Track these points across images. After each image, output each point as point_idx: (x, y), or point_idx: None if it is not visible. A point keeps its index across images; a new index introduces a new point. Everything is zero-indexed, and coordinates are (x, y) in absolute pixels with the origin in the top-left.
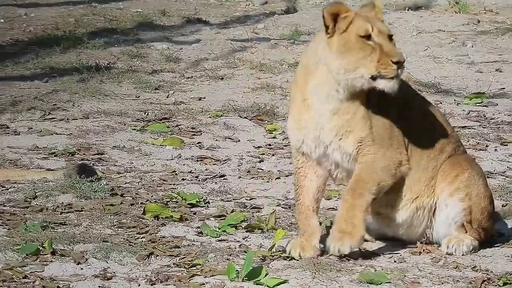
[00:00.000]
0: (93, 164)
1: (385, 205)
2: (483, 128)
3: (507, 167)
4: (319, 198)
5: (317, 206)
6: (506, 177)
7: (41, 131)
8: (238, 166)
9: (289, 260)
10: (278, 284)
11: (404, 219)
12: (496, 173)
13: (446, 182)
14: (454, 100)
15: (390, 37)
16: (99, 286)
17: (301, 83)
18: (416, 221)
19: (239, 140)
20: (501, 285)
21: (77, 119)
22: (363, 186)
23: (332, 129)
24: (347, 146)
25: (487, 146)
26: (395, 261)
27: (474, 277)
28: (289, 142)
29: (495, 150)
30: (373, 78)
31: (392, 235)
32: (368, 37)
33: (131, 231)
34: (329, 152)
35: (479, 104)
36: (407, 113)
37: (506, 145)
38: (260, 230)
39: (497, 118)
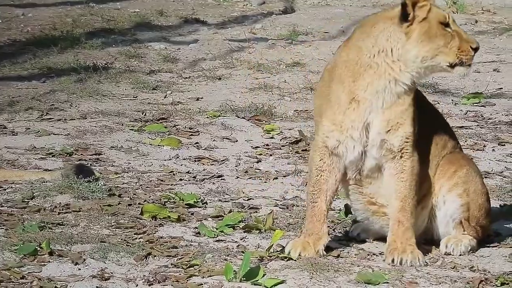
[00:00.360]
0: (90, 164)
1: None
2: (481, 128)
3: (505, 167)
4: (331, 202)
5: (329, 209)
6: (504, 177)
7: (39, 131)
8: (236, 166)
9: (287, 261)
10: (276, 285)
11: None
12: (493, 173)
13: (445, 178)
14: (452, 100)
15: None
16: (96, 287)
17: (350, 82)
18: (419, 221)
19: (237, 140)
20: (499, 285)
21: (74, 119)
22: (410, 202)
23: (383, 121)
24: (395, 140)
25: (484, 146)
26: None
27: (472, 277)
28: (286, 142)
29: (493, 150)
30: (452, 65)
31: None
32: (446, 24)
33: (129, 232)
34: (367, 151)
35: (476, 104)
36: (421, 113)
37: (504, 145)
38: (258, 231)
39: (495, 118)
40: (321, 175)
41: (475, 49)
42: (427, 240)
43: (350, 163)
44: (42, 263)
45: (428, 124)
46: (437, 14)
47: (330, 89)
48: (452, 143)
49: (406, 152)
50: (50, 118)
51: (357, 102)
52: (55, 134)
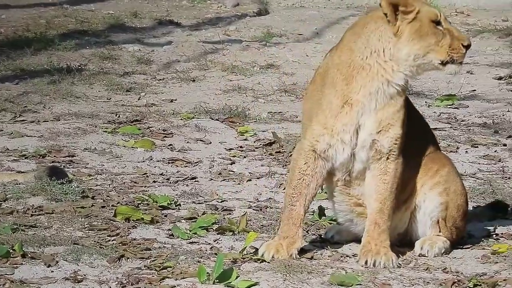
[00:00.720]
0: (63, 166)
1: None
2: (454, 130)
3: (478, 169)
4: (309, 207)
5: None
6: (477, 179)
7: (12, 133)
8: (210, 168)
9: (261, 263)
10: (249, 287)
11: (394, 221)
12: (466, 175)
13: (428, 176)
14: (426, 102)
15: None
16: None
17: (341, 86)
18: (401, 222)
19: (211, 142)
20: (471, 286)
21: (48, 121)
22: (389, 205)
23: (375, 122)
24: (385, 140)
25: (458, 148)
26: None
27: (445, 279)
28: (260, 144)
29: (466, 152)
30: (443, 63)
31: None
32: (438, 22)
33: (102, 234)
34: (355, 153)
35: (450, 106)
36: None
37: (477, 147)
38: (231, 233)
39: (468, 120)
40: (303, 179)
41: (467, 47)
42: (405, 242)
43: (340, 165)
44: (15, 265)
45: (412, 125)
46: (428, 13)
47: (322, 94)
48: (434, 145)
49: (393, 154)
50: (23, 120)
51: (350, 105)
52: (28, 136)
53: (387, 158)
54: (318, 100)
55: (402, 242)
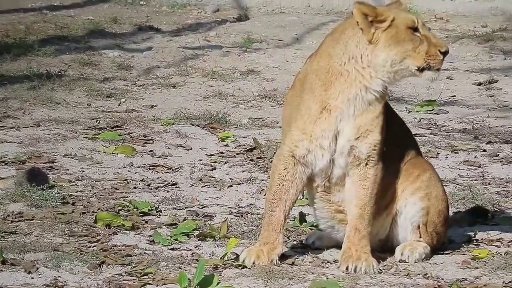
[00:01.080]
0: (44, 171)
1: None
2: (434, 135)
3: (458, 174)
4: (289, 212)
5: (286, 220)
6: (457, 184)
7: None
8: (190, 174)
9: (241, 269)
10: None
11: (376, 227)
12: (447, 181)
13: (409, 181)
14: (406, 108)
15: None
16: None
17: (321, 91)
18: (383, 228)
19: (191, 148)
20: None
21: (27, 127)
22: (369, 210)
23: (354, 128)
24: (363, 146)
25: (438, 153)
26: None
27: (425, 284)
28: (241, 150)
29: (446, 157)
30: (420, 69)
31: None
32: (415, 29)
33: (83, 240)
34: (335, 159)
35: (430, 112)
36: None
37: (457, 152)
38: (212, 239)
39: (448, 125)
40: (283, 185)
41: (444, 53)
42: (387, 247)
43: (320, 171)
44: None
45: (393, 131)
46: (405, 19)
47: (301, 99)
48: (415, 150)
49: (372, 160)
50: (2, 126)
51: (329, 111)
52: (8, 142)
53: (366, 164)
54: (297, 106)
55: (384, 248)
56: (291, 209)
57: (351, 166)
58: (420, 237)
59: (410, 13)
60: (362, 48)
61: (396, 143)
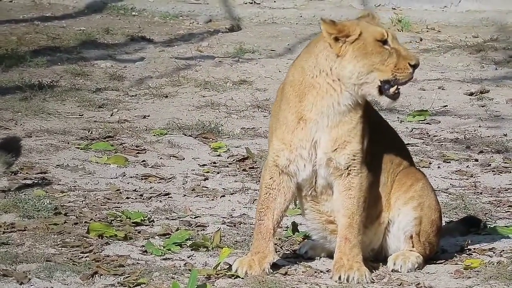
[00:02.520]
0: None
1: None
2: (426, 145)
3: (450, 184)
4: (280, 222)
5: (277, 228)
6: (449, 194)
7: None
8: (183, 184)
9: (234, 279)
10: None
11: (369, 237)
12: (439, 190)
13: (402, 191)
14: (398, 117)
15: None
16: None
17: (296, 102)
18: (375, 237)
19: (184, 158)
20: None
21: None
22: (358, 219)
23: (330, 140)
24: (341, 158)
25: (430, 163)
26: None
27: None
28: (234, 160)
29: (438, 167)
30: (380, 92)
31: None
32: (384, 41)
33: (75, 250)
34: (317, 169)
35: (422, 122)
36: (377, 131)
37: (449, 162)
38: (205, 249)
39: (440, 135)
40: (269, 193)
41: (413, 66)
42: (380, 257)
43: (303, 181)
44: None
45: (384, 141)
46: (374, 32)
47: (279, 109)
48: (407, 160)
49: (354, 169)
50: None
51: (304, 121)
52: None
53: (349, 174)
54: (276, 115)
55: (377, 258)
56: (281, 218)
57: (334, 176)
58: (413, 246)
59: (380, 26)
60: (331, 61)
61: (388, 153)
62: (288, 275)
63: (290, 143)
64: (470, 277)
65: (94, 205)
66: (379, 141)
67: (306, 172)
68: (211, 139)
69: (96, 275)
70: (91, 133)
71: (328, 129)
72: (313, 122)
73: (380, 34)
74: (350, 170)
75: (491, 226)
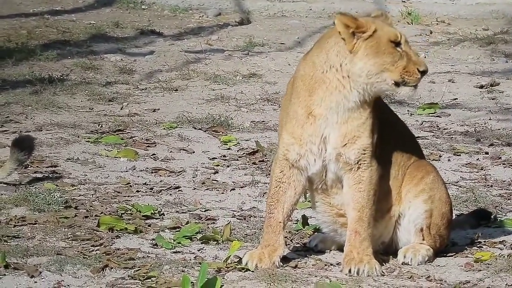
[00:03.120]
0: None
1: None
2: (436, 138)
3: (460, 177)
4: (290, 215)
5: (287, 221)
6: (459, 187)
7: None
8: (193, 177)
9: (244, 272)
10: None
11: (379, 230)
12: (449, 183)
13: (412, 184)
14: (408, 110)
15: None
16: None
17: (306, 97)
18: (385, 231)
19: (194, 152)
20: None
21: (30, 131)
22: (368, 212)
23: (339, 136)
24: (351, 153)
25: (440, 156)
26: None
27: (428, 287)
28: (243, 153)
29: (448, 160)
30: (396, 84)
31: None
32: (397, 43)
33: (85, 244)
34: (326, 164)
35: (432, 115)
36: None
37: (459, 155)
38: (215, 242)
39: (450, 128)
40: (280, 187)
41: (422, 72)
42: (391, 250)
43: (314, 175)
44: None
45: (394, 135)
46: (388, 32)
47: (289, 103)
48: (418, 153)
49: (364, 163)
50: (5, 131)
51: (314, 116)
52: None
53: (359, 168)
54: (286, 109)
55: (387, 251)
56: (291, 211)
57: (343, 170)
58: (423, 239)
59: (394, 27)
60: (342, 57)
61: (398, 147)
62: (298, 268)
63: (300, 137)
64: (480, 270)
65: (104, 199)
66: (389, 134)
67: (316, 166)
68: (221, 133)
69: (107, 268)
70: (101, 126)
71: (337, 125)
72: (322, 118)
73: (394, 35)
74: (360, 164)
75: (502, 219)
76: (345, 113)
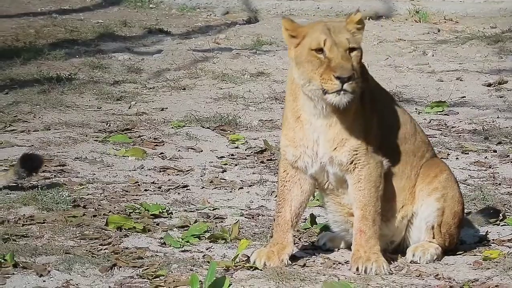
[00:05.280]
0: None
1: None
2: (444, 136)
3: (468, 175)
4: (300, 214)
5: (296, 221)
6: (468, 185)
7: (2, 143)
8: (201, 176)
9: (253, 270)
10: None
11: (391, 229)
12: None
13: (426, 182)
14: (416, 109)
15: (351, 50)
16: None
17: (291, 101)
18: (397, 230)
19: (202, 151)
20: None
21: (38, 130)
22: (371, 210)
23: (328, 140)
24: (342, 156)
25: (448, 154)
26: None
27: (437, 285)
28: (251, 152)
29: (456, 158)
30: (324, 91)
31: None
32: (319, 50)
33: (94, 243)
34: (324, 165)
35: (440, 113)
36: (392, 120)
37: (467, 153)
38: (224, 241)
39: (458, 126)
40: (285, 186)
41: (338, 78)
42: (402, 248)
43: (316, 175)
44: (6, 275)
45: (407, 134)
46: (311, 40)
47: (284, 109)
48: (430, 152)
49: (359, 162)
50: (13, 130)
51: (301, 121)
52: (19, 146)
53: (355, 168)
54: (283, 115)
55: (398, 248)
56: (300, 210)
57: (342, 171)
58: (433, 237)
59: (327, 31)
60: (291, 65)
61: (410, 146)
62: (307, 266)
63: (293, 140)
64: (489, 268)
65: (112, 198)
66: (402, 134)
67: (315, 168)
68: (229, 131)
69: (115, 267)
70: (109, 125)
71: (324, 128)
72: (308, 123)
73: (315, 43)
74: (355, 164)
75: (510, 217)
76: (327, 117)
